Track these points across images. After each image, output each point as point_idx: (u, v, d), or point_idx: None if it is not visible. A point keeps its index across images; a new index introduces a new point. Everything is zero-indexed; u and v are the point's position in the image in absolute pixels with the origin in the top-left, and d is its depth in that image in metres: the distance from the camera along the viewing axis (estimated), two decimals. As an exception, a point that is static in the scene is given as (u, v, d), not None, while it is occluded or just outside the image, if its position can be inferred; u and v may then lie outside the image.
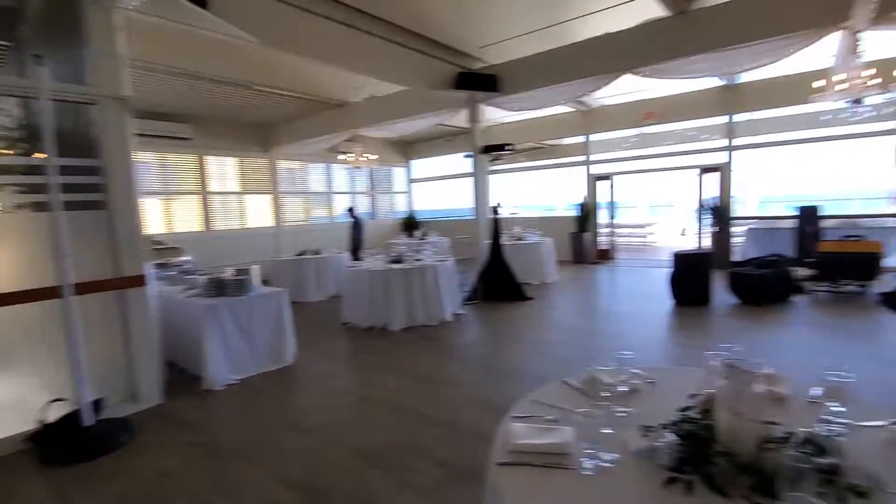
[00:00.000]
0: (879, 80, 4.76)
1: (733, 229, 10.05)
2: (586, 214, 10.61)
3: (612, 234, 11.17)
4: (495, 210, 7.73)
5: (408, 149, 14.47)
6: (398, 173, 14.78)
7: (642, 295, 7.21)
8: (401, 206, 14.84)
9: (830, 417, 1.56)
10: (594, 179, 10.89)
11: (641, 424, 1.58)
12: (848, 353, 4.39)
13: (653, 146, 12.67)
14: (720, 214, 9.23)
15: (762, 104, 8.98)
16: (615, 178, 11.02)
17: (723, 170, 9.51)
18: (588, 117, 10.70)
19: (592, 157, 10.96)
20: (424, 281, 5.88)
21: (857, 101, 4.85)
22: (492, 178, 15.53)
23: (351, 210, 9.90)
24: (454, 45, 7.04)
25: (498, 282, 7.28)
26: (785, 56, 5.10)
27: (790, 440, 1.33)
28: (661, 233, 15.00)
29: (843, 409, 1.55)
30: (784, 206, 15.74)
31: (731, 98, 9.14)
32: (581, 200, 10.90)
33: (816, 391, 1.64)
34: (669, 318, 5.93)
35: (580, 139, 11.20)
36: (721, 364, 1.45)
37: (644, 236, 12.91)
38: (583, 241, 10.48)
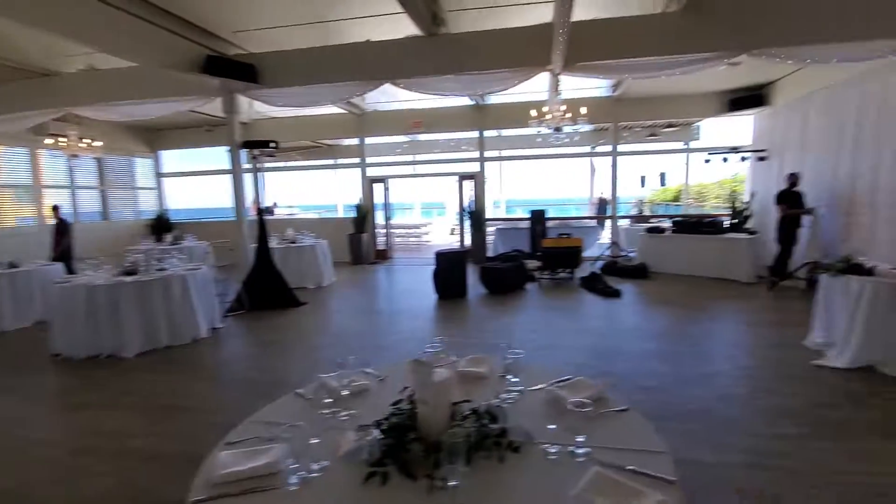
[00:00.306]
0: (570, 114, 6.21)
1: (488, 229, 11.73)
2: (363, 216, 10.85)
3: (389, 235, 11.70)
4: (261, 211, 7.19)
5: (155, 137, 12.24)
6: (142, 165, 12.38)
7: (412, 292, 7.75)
8: (149, 205, 12.49)
9: (511, 388, 1.88)
10: (370, 181, 11.21)
11: (360, 425, 1.62)
12: (558, 325, 5.56)
13: (422, 153, 13.86)
14: (476, 217, 10.62)
15: (502, 124, 10.71)
16: (390, 180, 11.57)
17: (477, 178, 10.97)
18: (362, 120, 10.96)
19: (368, 160, 11.26)
20: (169, 294, 5.04)
21: (558, 130, 6.24)
22: (269, 176, 14.67)
23: (56, 209, 7.87)
24: (203, 25, 6.25)
25: (266, 289, 6.80)
26: (511, 86, 6.16)
27: (470, 416, 1.54)
28: (436, 232, 16.55)
29: (517, 380, 1.89)
30: (523, 209, 19.31)
31: (480, 116, 10.60)
32: (357, 202, 11.09)
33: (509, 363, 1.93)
34: (433, 311, 6.51)
35: (356, 141, 11.37)
36: (413, 360, 1.57)
37: (419, 236, 13.96)
38: (361, 242, 10.69)
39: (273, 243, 8.14)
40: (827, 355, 4.25)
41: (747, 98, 9.52)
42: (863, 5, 5.23)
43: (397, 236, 14.10)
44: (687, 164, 14.28)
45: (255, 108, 10.95)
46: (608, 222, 11.01)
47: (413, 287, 8.11)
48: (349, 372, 1.93)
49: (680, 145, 13.56)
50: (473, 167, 11.08)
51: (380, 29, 6.31)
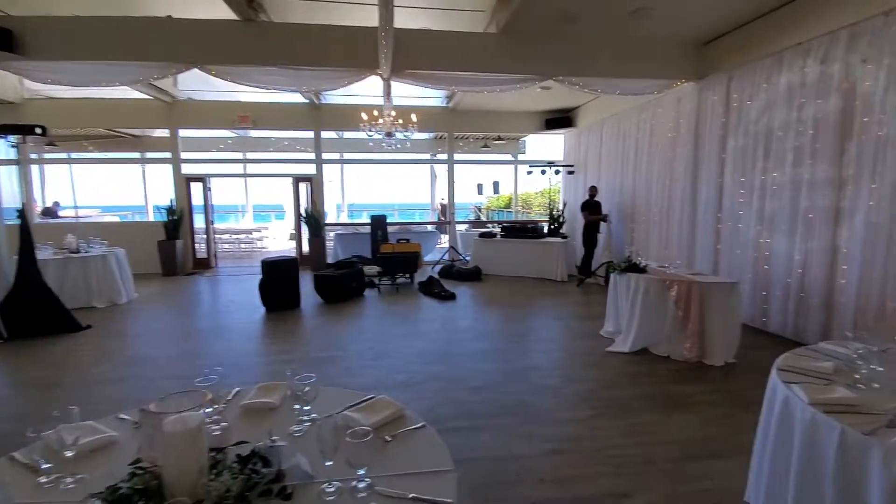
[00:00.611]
0: (401, 121, 6.24)
1: (328, 234, 11.22)
2: (177, 219, 9.41)
3: (211, 241, 10.38)
4: (46, 211, 5.66)
5: None
6: None
7: (236, 306, 6.92)
8: None
9: (302, 418, 1.66)
10: (186, 180, 9.79)
11: (90, 494, 1.22)
12: (394, 332, 5.48)
13: (253, 150, 12.69)
14: (313, 221, 10.06)
15: (340, 126, 10.37)
16: (212, 180, 10.27)
17: (314, 180, 10.42)
18: (175, 109, 9.52)
19: (184, 155, 9.82)
20: None
21: (389, 135, 6.21)
22: (48, 169, 11.72)
23: None
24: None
25: (33, 311, 5.36)
26: (341, 86, 5.92)
27: (235, 464, 1.28)
28: (275, 238, 15.30)
29: (308, 408, 1.67)
30: (368, 214, 19.14)
31: (317, 116, 10.09)
32: (169, 203, 9.58)
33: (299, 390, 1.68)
34: (257, 327, 5.87)
35: (166, 133, 9.81)
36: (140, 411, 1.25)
37: (252, 242, 12.71)
38: (174, 250, 9.24)
39: (46, 254, 6.51)
40: (616, 342, 4.95)
41: (559, 119, 10.87)
42: (635, 52, 6.30)
43: (224, 242, 12.65)
44: (515, 174, 15.77)
45: (28, 85, 8.72)
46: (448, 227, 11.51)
47: (238, 299, 7.27)
48: (81, 424, 1.48)
49: (509, 157, 14.91)
50: (310, 169, 10.50)
51: (184, 5, 5.49)
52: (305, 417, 1.63)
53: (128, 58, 5.44)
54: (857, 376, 1.99)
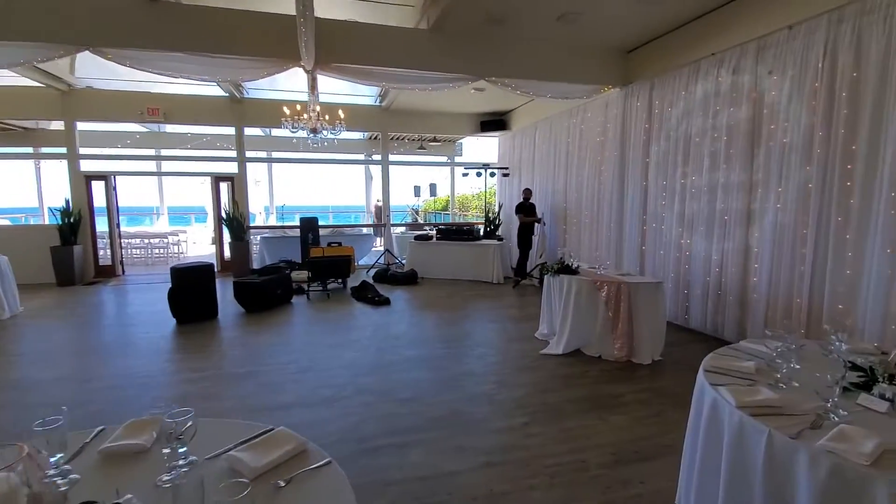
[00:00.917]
0: (328, 117, 5.89)
1: (253, 238, 10.51)
2: (74, 222, 8.38)
3: (117, 246, 9.36)
4: None
5: None
6: None
7: (142, 318, 6.22)
8: None
9: (178, 463, 1.36)
10: (86, 178, 8.75)
11: None
12: (321, 342, 5.12)
13: (169, 147, 11.66)
14: (235, 224, 9.37)
15: (263, 122, 9.75)
16: (118, 178, 9.27)
17: (236, 180, 9.72)
18: (72, 99, 8.48)
19: (83, 151, 8.77)
20: None
21: (315, 132, 5.84)
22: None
23: None
24: None
25: None
26: (260, 76, 5.48)
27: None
28: (196, 242, 14.17)
29: (185, 450, 1.37)
30: (299, 217, 18.33)
31: (239, 111, 9.42)
32: (64, 204, 8.51)
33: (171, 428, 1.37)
34: (166, 342, 5.27)
35: (61, 125, 8.72)
36: None
37: (167, 247, 11.66)
38: (71, 257, 8.21)
39: None
40: (550, 344, 4.93)
41: (493, 122, 10.93)
42: (564, 57, 6.40)
43: (135, 248, 11.51)
44: (452, 176, 15.75)
45: None
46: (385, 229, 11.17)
47: (145, 311, 6.54)
48: None
49: (445, 159, 14.85)
50: (232, 167, 9.79)
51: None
52: (181, 462, 1.33)
53: (7, 36, 4.67)
54: (779, 375, 2.00)
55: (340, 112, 5.97)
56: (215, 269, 6.29)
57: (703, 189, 5.29)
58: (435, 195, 17.82)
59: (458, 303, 7.19)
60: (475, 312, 6.65)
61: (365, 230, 11.75)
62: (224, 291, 7.13)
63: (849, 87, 3.89)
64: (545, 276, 5.24)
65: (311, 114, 5.57)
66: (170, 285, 5.92)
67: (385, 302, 7.07)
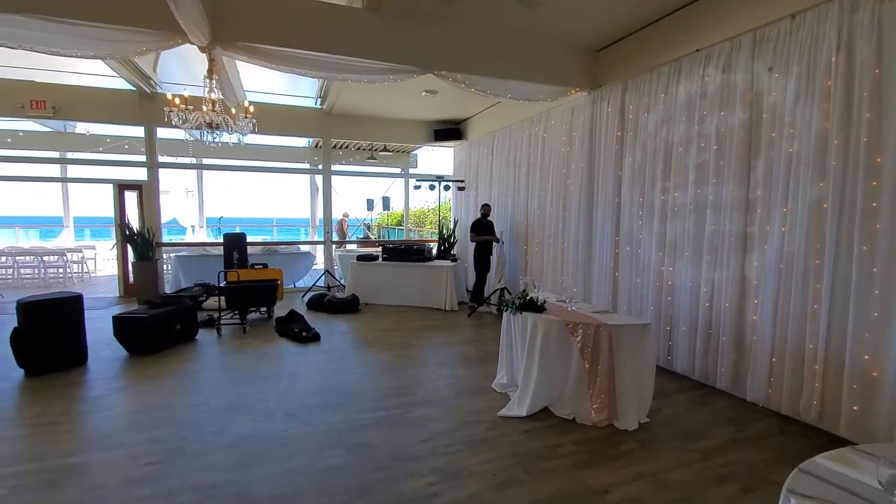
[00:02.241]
0: (234, 111, 4.69)
1: (166, 256, 9.01)
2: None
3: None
4: None
5: None
6: None
7: (-15, 365, 4.70)
8: None
9: None
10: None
11: None
12: (208, 407, 3.85)
13: (58, 150, 9.99)
14: (140, 240, 7.88)
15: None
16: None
17: (145, 189, 8.25)
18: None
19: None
20: None
21: (212, 128, 4.61)
22: None
23: None
24: None
25: None
26: (136, 53, 4.24)
27: None
28: (109, 258, 12.31)
29: None
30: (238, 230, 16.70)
31: (151, 107, 8.00)
32: None
33: None
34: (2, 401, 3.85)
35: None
36: None
37: (66, 266, 9.87)
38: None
39: None
40: (511, 400, 3.91)
41: (448, 131, 9.99)
42: (527, 54, 5.53)
43: (25, 266, 9.68)
44: (406, 189, 14.69)
45: None
46: (335, 247, 9.88)
47: (-7, 356, 5.01)
48: None
49: (399, 171, 13.78)
50: (141, 174, 8.32)
51: None
52: None
53: None
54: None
55: (248, 105, 4.77)
56: (83, 300, 4.88)
57: (687, 207, 4.47)
58: (388, 209, 16.68)
59: (403, 337, 6.06)
60: (422, 352, 5.54)
61: (304, 247, 10.43)
62: (102, 328, 5.68)
63: (871, 87, 3.14)
64: (504, 314, 4.24)
65: (207, 105, 4.36)
66: (17, 325, 4.48)
67: (314, 338, 5.85)
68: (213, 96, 4.34)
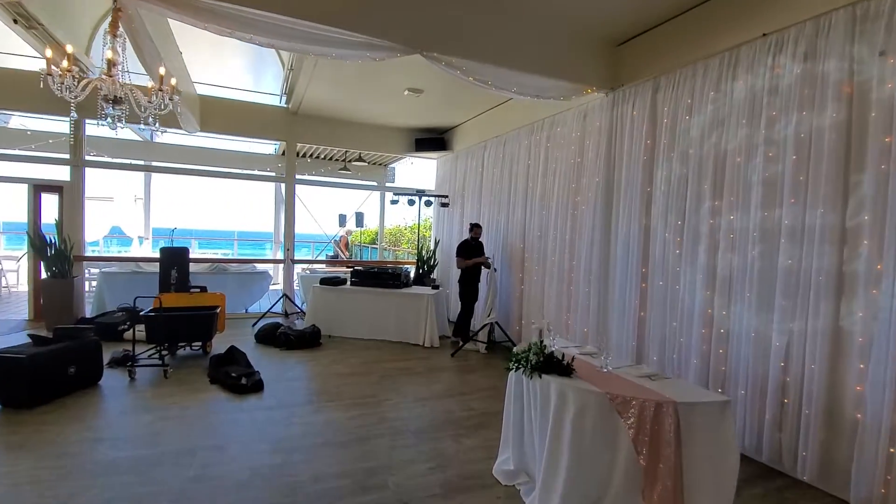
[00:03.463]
0: (167, 88, 3.44)
1: (90, 272, 7.52)
2: None
3: None
4: None
5: None
6: None
7: None
8: None
9: None
10: None
11: None
12: (67, 513, 2.50)
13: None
14: (53, 253, 6.41)
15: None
16: None
17: (66, 191, 6.81)
18: None
19: None
20: None
21: (115, 103, 3.31)
22: None
23: None
24: None
25: None
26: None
27: None
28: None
29: None
30: (199, 245, 15.09)
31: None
32: None
33: None
34: None
35: None
36: None
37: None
38: None
39: None
40: (525, 500, 2.72)
41: (432, 140, 8.93)
42: (536, 42, 4.51)
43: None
44: (382, 204, 13.52)
45: None
46: (298, 266, 8.51)
47: None
48: None
49: (375, 184, 12.61)
50: (63, 173, 6.89)
51: None
52: None
53: None
54: None
55: (170, 77, 3.50)
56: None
57: (751, 235, 3.44)
58: (362, 226, 15.42)
59: (371, 387, 4.80)
60: (396, 410, 4.27)
61: (262, 266, 9.06)
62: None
63: None
64: (513, 373, 3.06)
65: (108, 76, 3.09)
66: None
67: (255, 387, 4.53)
68: (111, 55, 3.09)
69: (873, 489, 2.72)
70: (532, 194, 6.15)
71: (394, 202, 8.39)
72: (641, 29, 4.54)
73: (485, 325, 6.26)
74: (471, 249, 6.47)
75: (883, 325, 2.71)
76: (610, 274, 4.80)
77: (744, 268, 3.48)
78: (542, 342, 3.01)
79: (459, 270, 6.59)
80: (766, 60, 3.41)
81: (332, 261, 12.59)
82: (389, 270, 6.98)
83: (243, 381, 4.56)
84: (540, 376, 2.79)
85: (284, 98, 7.75)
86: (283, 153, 9.09)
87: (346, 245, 13.62)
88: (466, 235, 6.65)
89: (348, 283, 7.01)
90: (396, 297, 6.67)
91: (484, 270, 6.58)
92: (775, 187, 3.31)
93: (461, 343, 6.34)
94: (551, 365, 2.81)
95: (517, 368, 2.98)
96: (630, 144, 4.58)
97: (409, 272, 7.46)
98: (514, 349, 3.19)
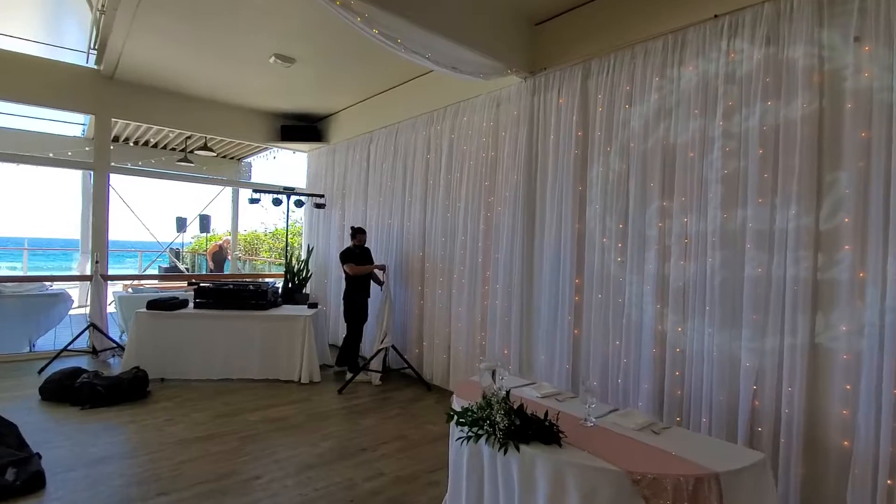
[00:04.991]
0: None
1: None
2: None
3: None
4: None
5: None
6: None
7: None
8: None
9: None
10: None
11: None
12: None
13: None
14: None
15: None
16: None
17: None
18: None
19: None
20: None
21: None
22: None
23: None
24: None
25: None
26: None
27: None
28: None
29: None
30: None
31: None
32: None
33: None
34: None
35: None
36: None
37: None
38: None
39: None
40: None
41: (302, 129, 7.51)
42: (474, 17, 3.64)
43: None
44: (235, 205, 11.42)
45: None
46: (110, 287, 6.15)
47: None
48: None
49: (224, 178, 10.49)
50: None
51: None
52: None
53: None
54: None
55: None
56: None
57: (708, 238, 3.02)
58: (208, 231, 12.91)
59: (227, 459, 3.35)
60: (269, 497, 2.94)
61: (54, 286, 6.55)
62: None
63: None
64: (461, 442, 2.09)
65: None
66: None
67: (27, 488, 2.78)
68: None
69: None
70: (434, 194, 5.26)
71: (253, 201, 6.76)
72: (566, 7, 3.99)
73: (379, 351, 5.15)
74: (356, 259, 5.32)
75: (871, 341, 2.40)
76: (535, 285, 4.13)
77: (702, 277, 3.04)
78: (504, 392, 2.10)
79: (344, 285, 5.40)
80: (720, 44, 3.04)
81: (169, 275, 10.12)
82: (251, 287, 5.42)
83: (8, 476, 2.78)
84: (517, 448, 1.87)
85: (94, 56, 5.64)
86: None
87: (221, 259, 10.73)
88: (348, 242, 5.48)
89: (191, 305, 5.27)
90: (262, 322, 5.17)
91: (374, 284, 5.49)
92: (736, 186, 2.93)
93: (351, 374, 5.14)
94: (530, 430, 1.91)
95: (475, 437, 2.02)
96: (557, 136, 3.98)
97: (276, 288, 5.96)
98: (460, 407, 2.22)
